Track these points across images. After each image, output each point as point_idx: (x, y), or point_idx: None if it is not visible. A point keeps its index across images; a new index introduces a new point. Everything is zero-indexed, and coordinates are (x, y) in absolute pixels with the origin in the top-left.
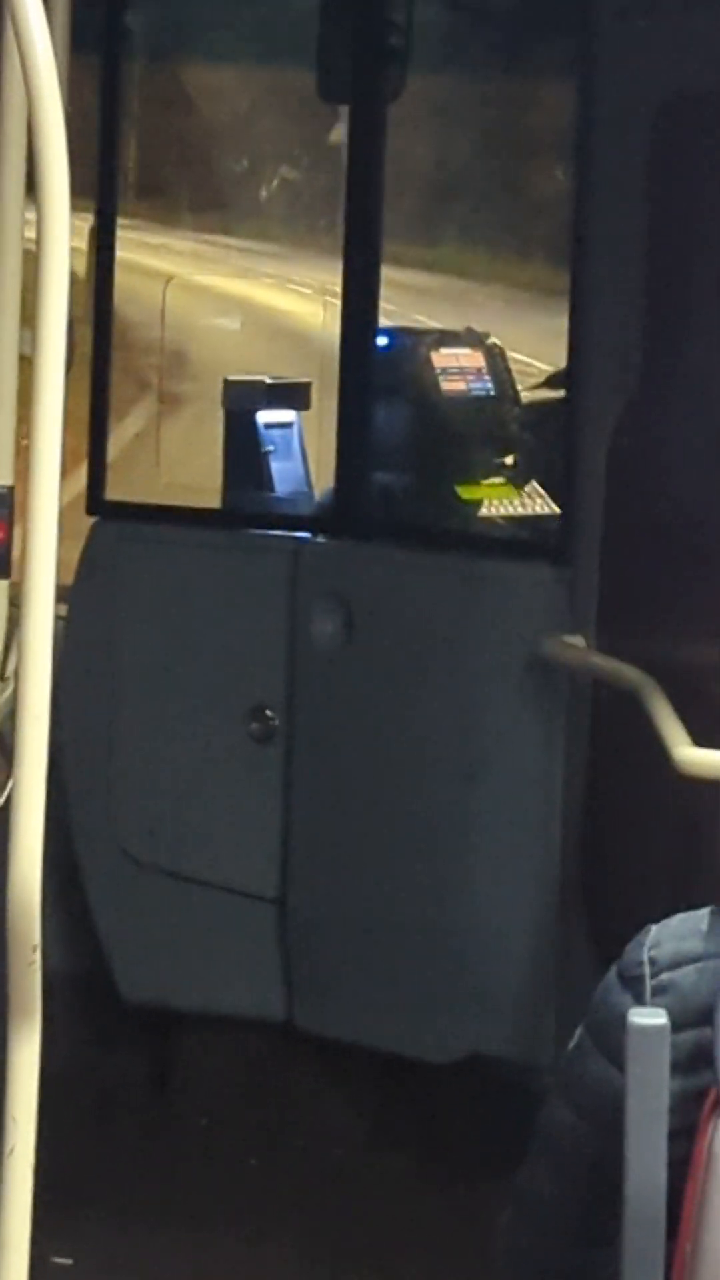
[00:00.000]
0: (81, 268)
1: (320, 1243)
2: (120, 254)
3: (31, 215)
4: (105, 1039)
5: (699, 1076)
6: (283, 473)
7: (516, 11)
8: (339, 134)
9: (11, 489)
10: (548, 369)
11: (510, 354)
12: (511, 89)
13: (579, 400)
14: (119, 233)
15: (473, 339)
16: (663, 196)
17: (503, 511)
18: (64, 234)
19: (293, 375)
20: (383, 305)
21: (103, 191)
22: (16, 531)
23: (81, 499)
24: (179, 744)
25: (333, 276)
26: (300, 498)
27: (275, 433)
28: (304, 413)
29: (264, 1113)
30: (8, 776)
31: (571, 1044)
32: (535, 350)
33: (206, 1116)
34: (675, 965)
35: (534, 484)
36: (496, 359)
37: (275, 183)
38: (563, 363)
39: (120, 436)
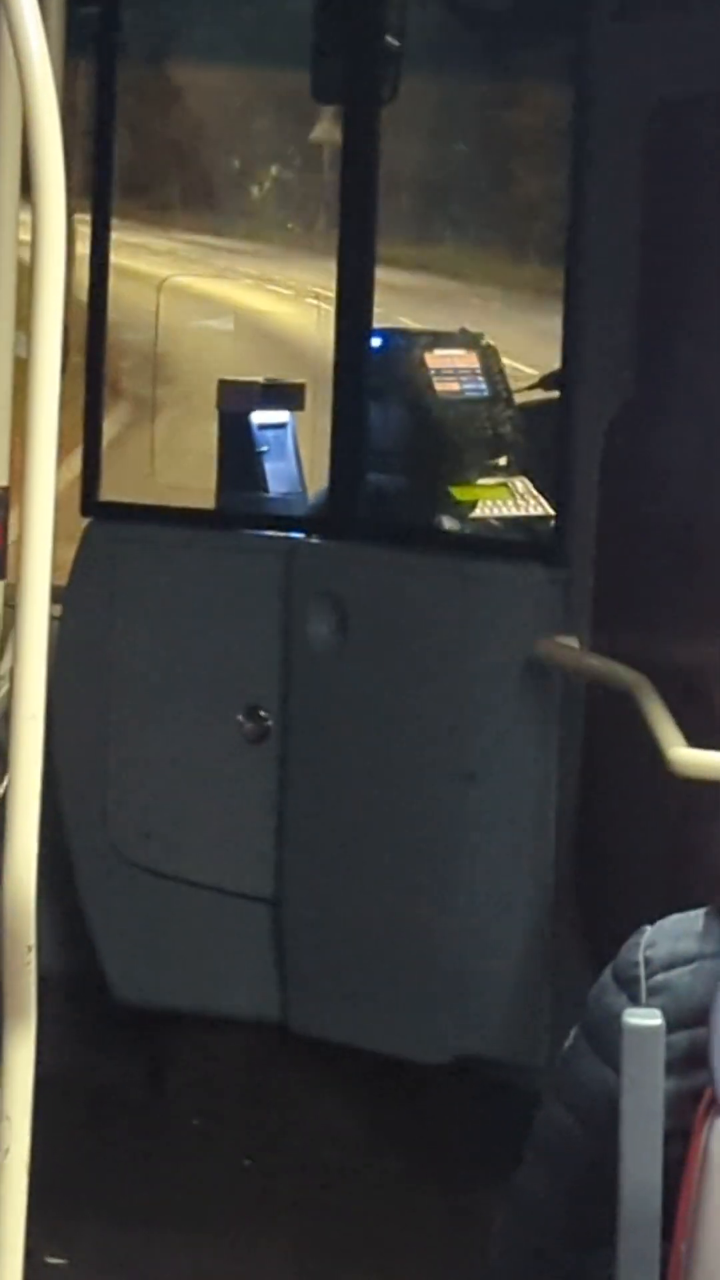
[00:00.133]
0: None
1: (314, 1243)
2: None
3: (26, 216)
4: (99, 1040)
5: (694, 1077)
6: (277, 473)
7: (512, 13)
8: (322, 133)
9: (7, 490)
10: (535, 373)
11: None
12: (506, 90)
13: (573, 401)
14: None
15: (467, 340)
16: (657, 197)
17: (497, 512)
18: (60, 235)
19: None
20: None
21: (97, 193)
22: (12, 532)
23: (69, 497)
24: (173, 744)
25: (315, 277)
26: (294, 498)
27: (269, 433)
28: (298, 413)
29: (258, 1113)
30: (2, 777)
31: (567, 1044)
32: (526, 353)
33: (200, 1117)
34: (670, 966)
35: (528, 485)
36: (490, 360)
37: (258, 183)
38: (551, 365)
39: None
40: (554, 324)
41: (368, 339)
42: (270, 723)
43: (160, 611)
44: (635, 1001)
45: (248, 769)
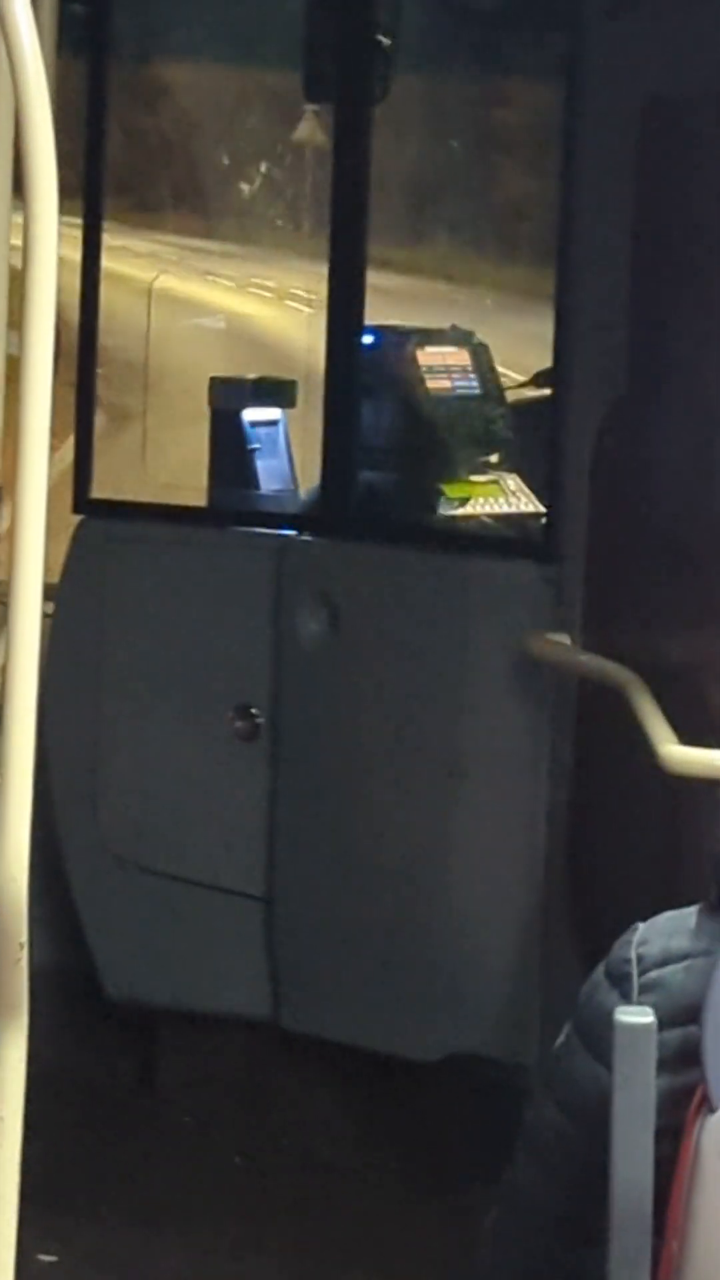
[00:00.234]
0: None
1: (307, 1240)
2: (71, 255)
3: (17, 217)
4: (91, 1037)
5: (686, 1075)
6: (268, 471)
7: (503, 11)
8: (306, 132)
9: None
10: (522, 379)
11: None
12: (497, 89)
13: (565, 398)
14: (73, 233)
15: (458, 337)
16: (649, 195)
17: (488, 509)
18: (52, 234)
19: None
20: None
21: (89, 193)
22: (2, 528)
23: (59, 493)
24: (164, 742)
25: (298, 280)
26: (286, 495)
27: (261, 430)
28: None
29: (250, 1111)
30: None
31: (558, 1042)
32: (516, 360)
33: (192, 1114)
34: (663, 963)
35: (519, 482)
36: (482, 357)
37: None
38: (537, 367)
39: (63, 456)
40: (540, 328)
41: (359, 336)
42: (261, 720)
43: (152, 609)
44: (627, 999)
45: (239, 766)
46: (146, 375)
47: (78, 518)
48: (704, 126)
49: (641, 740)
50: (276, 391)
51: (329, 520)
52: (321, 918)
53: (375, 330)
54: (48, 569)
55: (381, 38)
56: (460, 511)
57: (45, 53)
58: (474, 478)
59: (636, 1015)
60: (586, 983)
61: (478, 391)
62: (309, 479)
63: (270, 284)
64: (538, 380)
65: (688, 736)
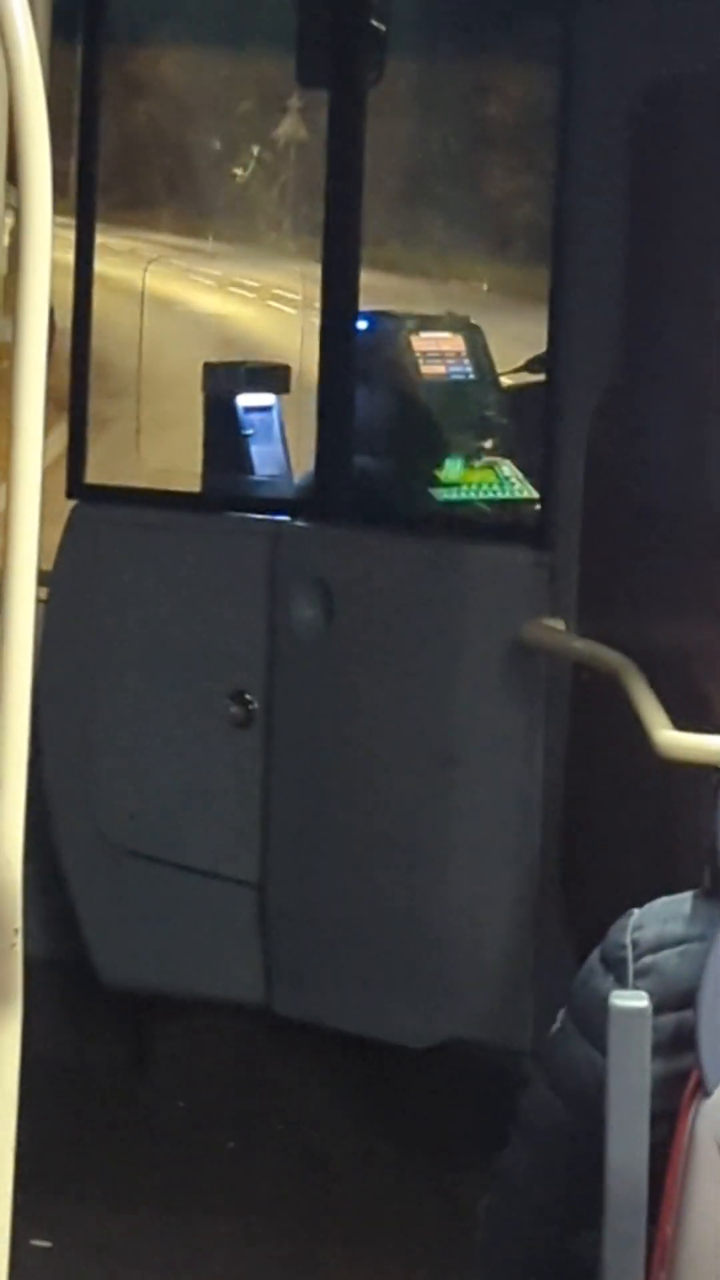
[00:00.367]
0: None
1: (299, 1226)
2: (62, 256)
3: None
4: (84, 1023)
5: (681, 1060)
6: (262, 456)
7: None
8: (289, 129)
9: None
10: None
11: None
12: (489, 73)
13: (559, 384)
14: (63, 234)
15: (453, 323)
16: (644, 180)
17: (483, 495)
18: (45, 220)
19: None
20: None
21: (82, 180)
22: None
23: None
24: (158, 728)
25: (278, 278)
26: (280, 481)
27: (255, 416)
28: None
29: (242, 1097)
30: None
31: (553, 1027)
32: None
33: (185, 1100)
34: (658, 948)
35: (514, 468)
36: (476, 343)
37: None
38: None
39: (53, 442)
40: (527, 327)
41: (353, 322)
42: (255, 706)
43: (146, 594)
44: (622, 984)
45: (233, 753)
46: (140, 361)
47: (72, 503)
48: (698, 108)
49: (636, 725)
50: (270, 377)
51: (323, 506)
52: (315, 904)
53: (370, 316)
54: (41, 554)
55: (375, 22)
56: (455, 497)
57: (39, 38)
58: (468, 463)
59: (631, 1000)
60: (581, 968)
61: (472, 377)
62: (303, 464)
63: (254, 283)
64: (532, 366)
65: (681, 721)
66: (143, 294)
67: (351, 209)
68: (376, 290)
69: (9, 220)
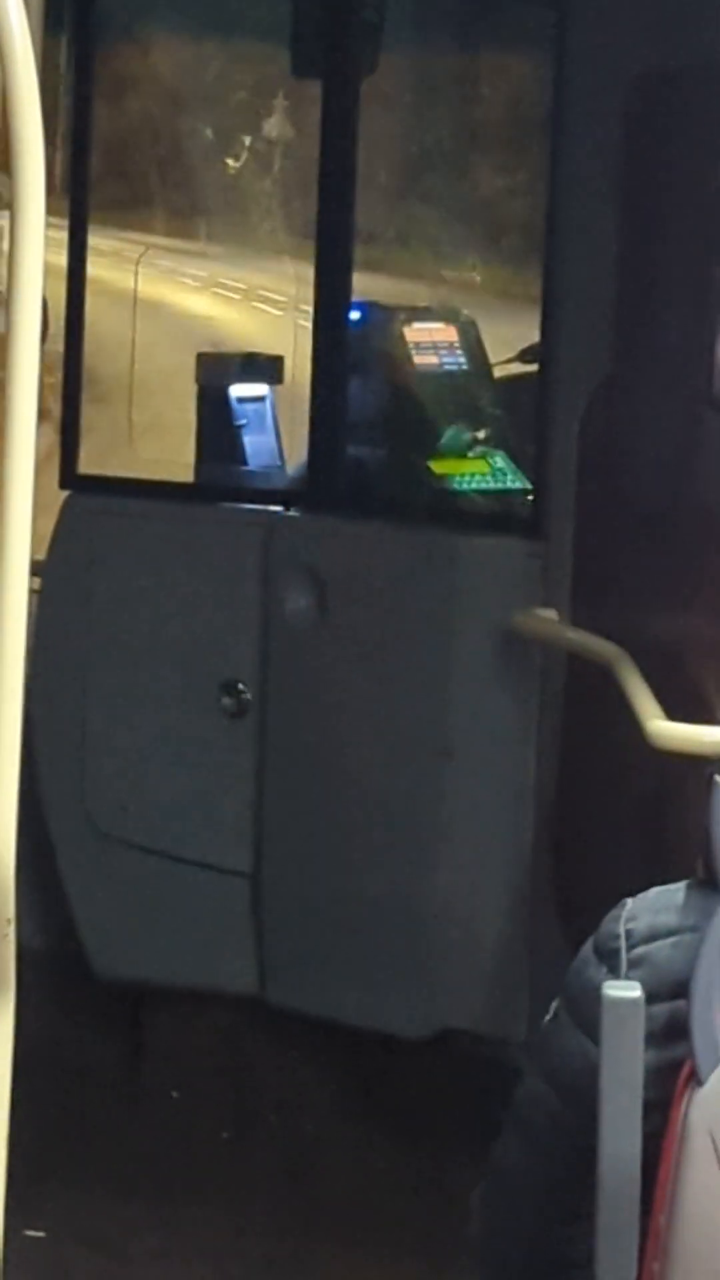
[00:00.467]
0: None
1: (293, 1216)
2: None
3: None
4: (78, 1013)
5: (674, 1049)
6: (255, 447)
7: None
8: (274, 128)
9: None
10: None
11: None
12: (485, 63)
13: (552, 375)
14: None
15: (446, 314)
16: (637, 172)
17: (476, 486)
18: (39, 211)
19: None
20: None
21: (75, 171)
22: None
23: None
24: (151, 718)
25: (268, 279)
26: (273, 472)
27: (248, 407)
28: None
29: (236, 1087)
30: None
31: (547, 1017)
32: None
33: (179, 1091)
34: (651, 938)
35: (506, 458)
36: (469, 333)
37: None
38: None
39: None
40: (514, 331)
41: (346, 312)
42: (249, 697)
43: (138, 585)
44: (615, 974)
45: (226, 744)
46: (133, 353)
47: (64, 493)
48: (690, 101)
49: (629, 716)
50: (263, 367)
51: (316, 496)
52: (309, 894)
53: (362, 306)
54: (34, 544)
55: (369, 14)
56: (447, 487)
57: (33, 28)
58: (461, 454)
59: (624, 990)
60: (575, 958)
61: (465, 368)
62: (296, 455)
63: (240, 285)
64: (525, 356)
65: (675, 712)
66: (135, 284)
67: (345, 199)
68: (365, 292)
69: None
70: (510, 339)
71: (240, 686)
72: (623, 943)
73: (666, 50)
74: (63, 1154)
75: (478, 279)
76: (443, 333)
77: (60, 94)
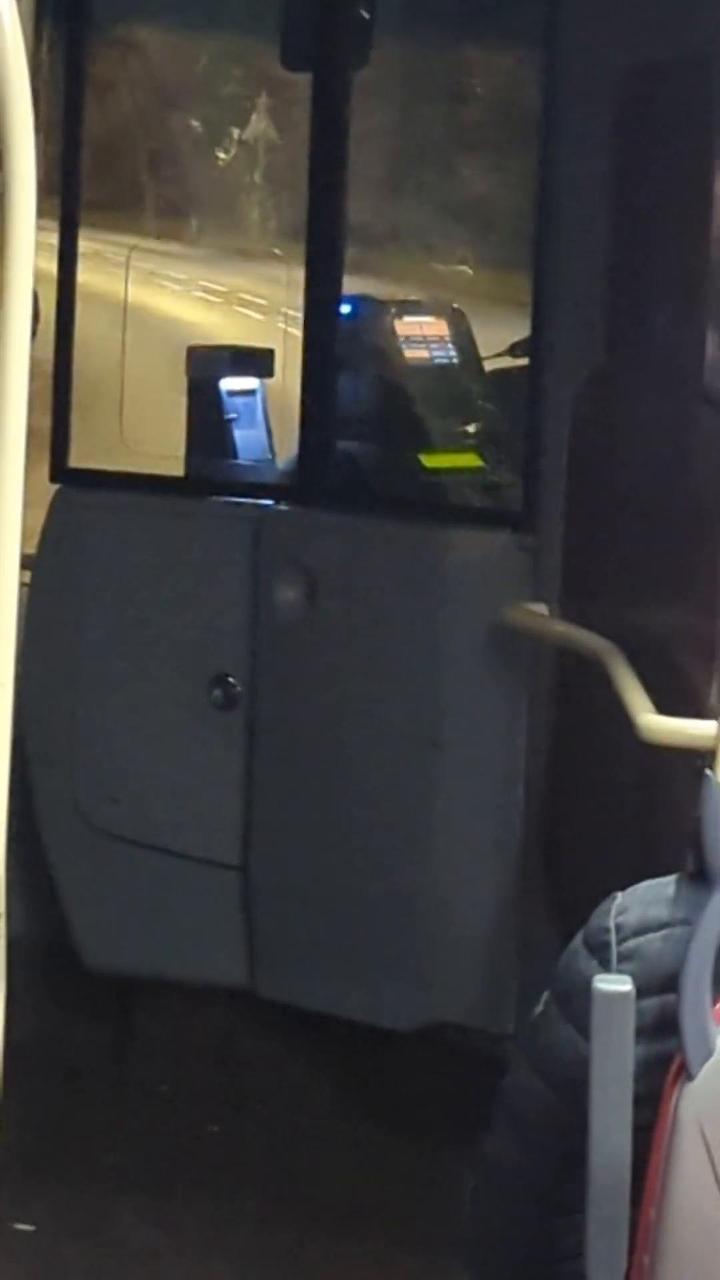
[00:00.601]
0: None
1: (282, 1209)
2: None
3: None
4: (68, 1006)
5: (664, 1043)
6: (246, 440)
7: None
8: (258, 127)
9: None
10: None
11: None
12: (475, 57)
13: (542, 368)
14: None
15: (436, 307)
16: (628, 163)
17: (466, 479)
18: (30, 202)
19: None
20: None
21: (66, 163)
22: None
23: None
24: (141, 711)
25: (244, 281)
26: (263, 465)
27: (239, 400)
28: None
29: (226, 1080)
30: None
31: (537, 1010)
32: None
33: (168, 1083)
34: (641, 932)
35: (497, 452)
36: (460, 327)
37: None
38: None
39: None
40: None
41: (337, 306)
42: (239, 690)
43: (129, 578)
44: (606, 967)
45: (216, 736)
46: (124, 350)
47: (55, 487)
48: (682, 92)
49: (619, 710)
50: (254, 361)
51: (307, 490)
52: (298, 887)
53: (354, 300)
54: (24, 538)
55: (361, 8)
56: (438, 481)
57: (23, 21)
58: (451, 447)
59: (615, 984)
60: (565, 951)
61: (455, 361)
62: (287, 449)
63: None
64: (515, 350)
65: (665, 705)
66: (125, 277)
67: (336, 192)
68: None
69: None
70: (501, 334)
71: (230, 679)
72: (613, 936)
73: (657, 43)
74: (52, 1146)
75: (469, 271)
76: (433, 326)
77: (41, 91)
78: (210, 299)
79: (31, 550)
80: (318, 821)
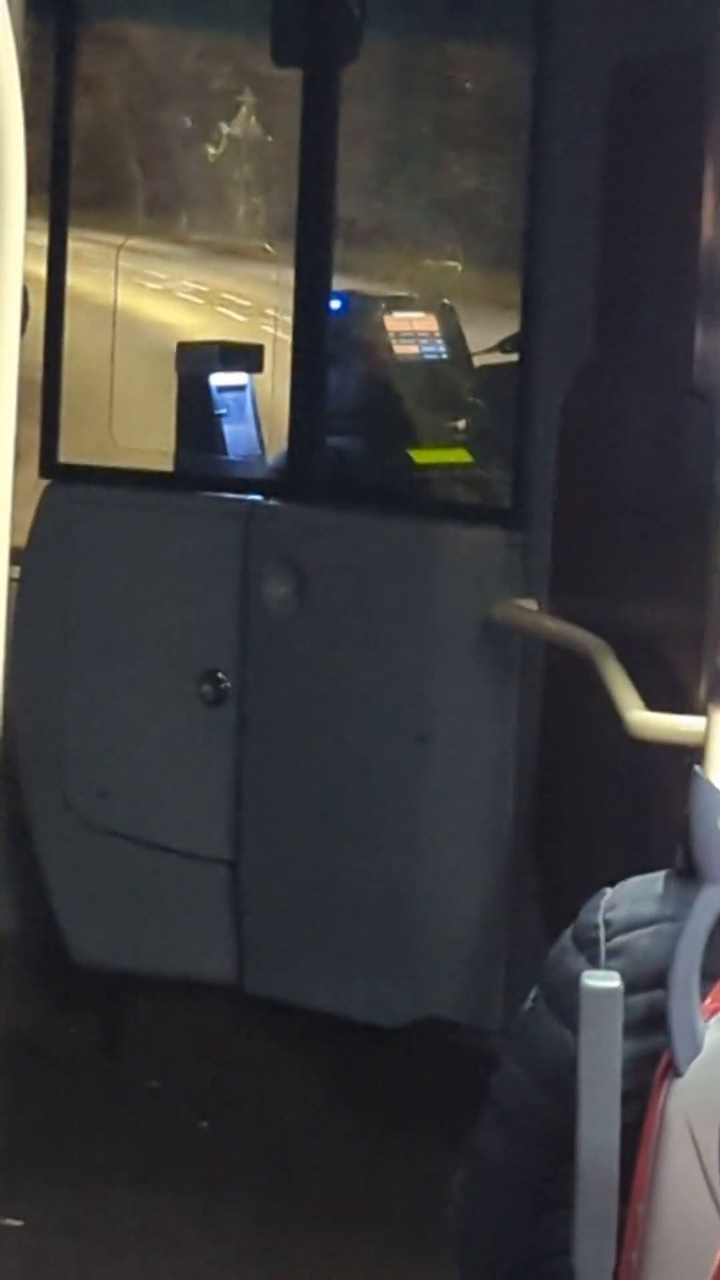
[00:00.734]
0: None
1: (271, 1205)
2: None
3: None
4: (56, 1001)
5: (652, 1039)
6: (236, 436)
7: None
8: (248, 123)
9: None
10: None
11: None
12: (465, 52)
13: (532, 364)
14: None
15: (426, 303)
16: (618, 159)
17: (455, 475)
18: (19, 198)
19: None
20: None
21: (56, 158)
22: None
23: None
24: (131, 707)
25: (227, 281)
26: (253, 461)
27: (228, 395)
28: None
29: (215, 1075)
30: None
31: (525, 1005)
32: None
33: (157, 1079)
34: (630, 928)
35: (486, 448)
36: (449, 323)
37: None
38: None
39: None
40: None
41: (326, 301)
42: (228, 685)
43: (118, 574)
44: (594, 963)
45: (205, 731)
46: (114, 342)
47: (45, 482)
48: (672, 88)
49: (608, 706)
50: (243, 356)
51: (296, 485)
52: (287, 883)
53: (343, 295)
54: (14, 533)
55: (351, 1)
56: (427, 476)
57: (14, 14)
58: (441, 443)
59: (603, 980)
60: (554, 947)
61: (445, 357)
62: (277, 444)
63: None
64: (505, 346)
65: (654, 701)
66: (115, 275)
67: (325, 187)
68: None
69: None
70: (491, 330)
71: (220, 675)
72: (601, 932)
73: (646, 39)
74: (40, 1142)
75: (458, 267)
76: (423, 322)
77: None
78: (195, 300)
79: (21, 545)
80: (307, 817)
